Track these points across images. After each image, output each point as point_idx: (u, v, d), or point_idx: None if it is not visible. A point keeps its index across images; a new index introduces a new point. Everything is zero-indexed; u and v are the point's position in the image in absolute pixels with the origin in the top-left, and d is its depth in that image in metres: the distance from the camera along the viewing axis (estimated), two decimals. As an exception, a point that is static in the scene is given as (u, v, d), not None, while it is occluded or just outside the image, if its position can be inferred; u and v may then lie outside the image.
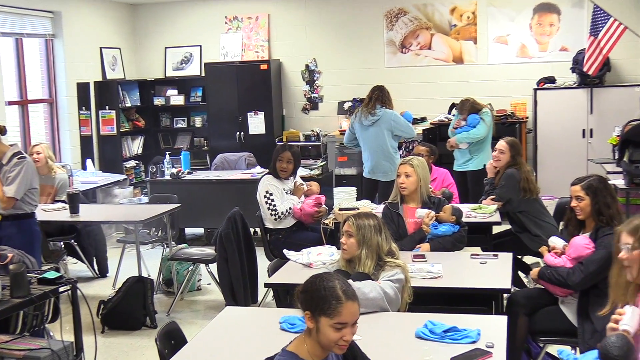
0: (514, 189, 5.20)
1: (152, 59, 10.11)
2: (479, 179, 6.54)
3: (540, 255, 4.20)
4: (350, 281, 3.04)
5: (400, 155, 7.70)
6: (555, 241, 3.94)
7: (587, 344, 3.48)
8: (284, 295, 3.93)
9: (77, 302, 3.81)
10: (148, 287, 5.37)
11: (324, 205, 5.60)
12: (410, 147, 8.07)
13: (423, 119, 8.98)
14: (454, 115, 7.76)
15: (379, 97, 6.90)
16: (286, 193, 5.55)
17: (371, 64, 9.32)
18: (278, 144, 7.42)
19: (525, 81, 8.80)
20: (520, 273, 5.19)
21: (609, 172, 6.49)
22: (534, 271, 3.94)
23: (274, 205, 5.41)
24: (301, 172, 7.13)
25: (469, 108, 7.17)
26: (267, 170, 5.89)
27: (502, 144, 5.36)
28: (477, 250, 4.75)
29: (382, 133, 6.87)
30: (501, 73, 8.95)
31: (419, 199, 4.61)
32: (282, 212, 5.42)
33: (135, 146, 9.68)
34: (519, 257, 5.21)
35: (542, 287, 3.89)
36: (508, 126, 8.41)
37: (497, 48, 8.93)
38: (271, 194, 5.44)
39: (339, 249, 3.84)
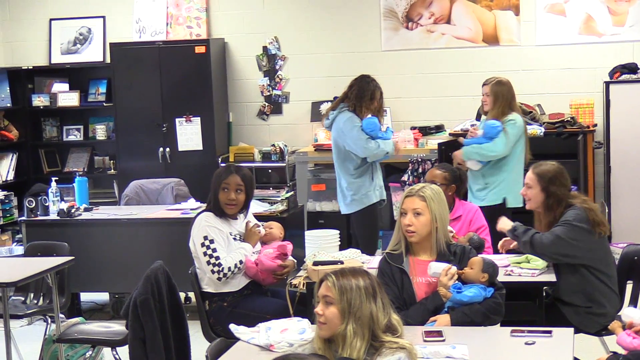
0: (585, 234, 5.21)
1: (30, 36, 10.12)
2: (495, 218, 6.59)
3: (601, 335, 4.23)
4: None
5: (407, 182, 7.80)
6: (632, 314, 4.03)
7: None
8: (232, 393, 3.95)
9: None
10: (23, 383, 5.35)
11: (290, 258, 5.63)
12: (421, 171, 8.14)
13: (439, 128, 9.06)
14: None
15: (352, 92, 7.08)
16: (234, 239, 5.58)
17: (362, 46, 9.41)
18: (222, 165, 7.44)
19: (592, 71, 8.92)
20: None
21: None
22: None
23: (217, 258, 5.44)
24: (256, 207, 7.18)
25: (501, 106, 7.15)
26: (205, 206, 5.94)
27: (527, 175, 5.40)
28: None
29: (334, 145, 7.22)
30: (556, 59, 9.06)
31: (433, 248, 4.66)
32: (229, 268, 5.44)
33: (4, 168, 9.65)
34: None
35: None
36: (566, 138, 8.44)
37: (551, 22, 9.05)
38: (212, 241, 5.47)
39: (313, 322, 3.88)
